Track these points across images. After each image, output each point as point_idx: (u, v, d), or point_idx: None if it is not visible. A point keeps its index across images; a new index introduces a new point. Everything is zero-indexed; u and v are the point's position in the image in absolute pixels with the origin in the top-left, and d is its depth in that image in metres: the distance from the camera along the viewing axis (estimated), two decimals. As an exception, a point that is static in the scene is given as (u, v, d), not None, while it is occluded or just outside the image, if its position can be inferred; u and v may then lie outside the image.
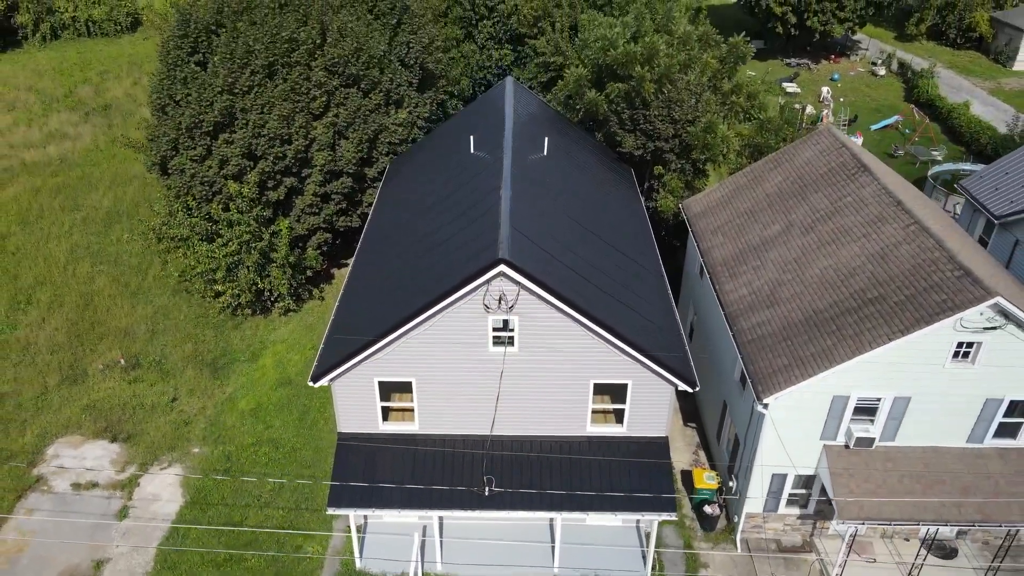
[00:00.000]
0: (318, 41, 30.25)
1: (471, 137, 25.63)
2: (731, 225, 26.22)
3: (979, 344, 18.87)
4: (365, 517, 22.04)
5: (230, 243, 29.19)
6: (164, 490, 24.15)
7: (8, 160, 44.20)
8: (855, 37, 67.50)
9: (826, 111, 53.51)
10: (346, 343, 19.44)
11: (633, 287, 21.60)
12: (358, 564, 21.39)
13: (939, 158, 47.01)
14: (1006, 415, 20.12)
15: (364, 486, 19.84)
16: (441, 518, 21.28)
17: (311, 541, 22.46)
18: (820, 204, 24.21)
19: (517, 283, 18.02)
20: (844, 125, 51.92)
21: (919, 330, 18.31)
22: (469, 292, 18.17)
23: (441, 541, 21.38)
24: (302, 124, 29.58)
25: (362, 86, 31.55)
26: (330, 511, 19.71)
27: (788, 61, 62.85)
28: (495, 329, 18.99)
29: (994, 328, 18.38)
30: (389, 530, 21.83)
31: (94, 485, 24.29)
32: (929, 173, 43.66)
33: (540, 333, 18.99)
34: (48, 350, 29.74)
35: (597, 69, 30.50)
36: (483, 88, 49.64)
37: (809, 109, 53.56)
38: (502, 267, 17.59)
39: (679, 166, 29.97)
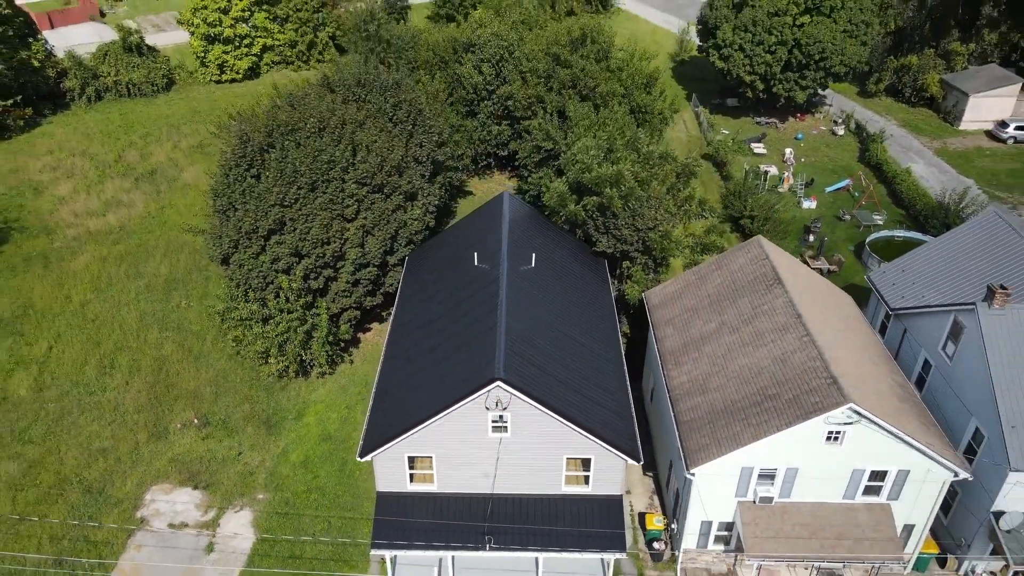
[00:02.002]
0: (350, 159, 37.35)
1: (475, 253, 32.81)
2: (680, 319, 33.36)
3: (844, 432, 26.03)
4: (396, 555, 29.23)
5: (280, 324, 36.35)
6: (240, 528, 31.39)
7: (76, 229, 51.35)
8: (821, 92, 74.38)
9: (787, 173, 60.50)
10: (383, 430, 26.65)
11: (598, 380, 28.80)
12: (391, 589, 28.65)
13: (880, 223, 54.14)
14: (869, 480, 27.31)
15: (397, 531, 27.04)
16: (453, 556, 28.44)
17: (357, 567, 29.68)
18: (744, 308, 31.36)
19: (509, 392, 25.19)
20: (803, 187, 59.04)
21: (798, 424, 25.49)
22: (473, 399, 25.35)
23: (453, 573, 28.59)
24: (337, 228, 36.74)
25: (385, 191, 38.67)
26: (373, 552, 26.92)
27: (758, 120, 69.79)
28: (493, 421, 26.18)
29: (851, 423, 25.55)
30: (414, 562, 29.03)
31: (185, 525, 31.53)
32: (867, 240, 50.89)
33: (526, 424, 26.15)
34: (134, 410, 36.95)
35: (577, 184, 37.60)
36: (484, 158, 56.95)
37: (773, 170, 60.68)
38: (498, 383, 24.78)
39: (643, 261, 37.11)
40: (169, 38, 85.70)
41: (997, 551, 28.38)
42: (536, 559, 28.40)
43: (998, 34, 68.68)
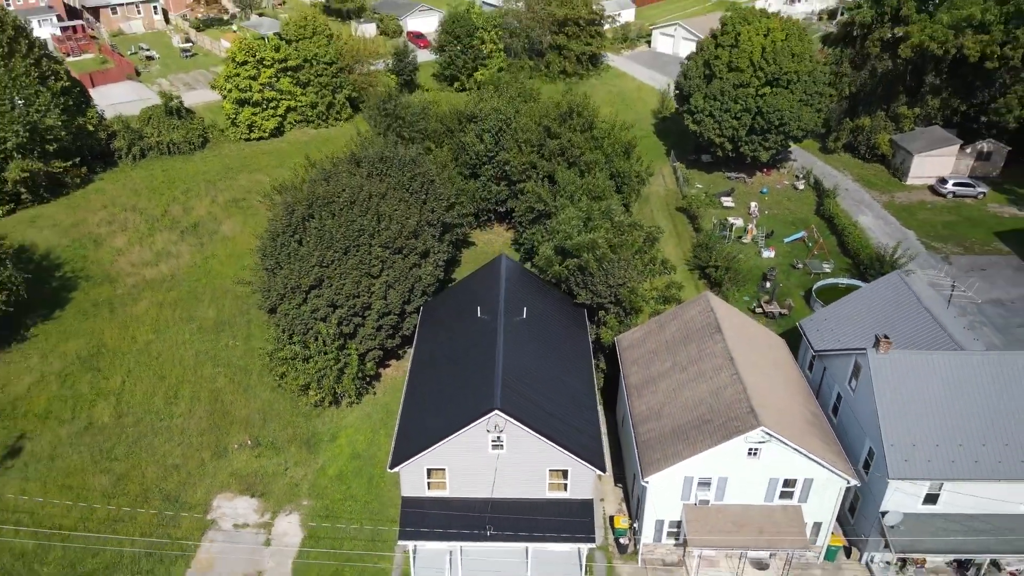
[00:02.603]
0: (375, 227, 45.75)
1: (478, 307, 41.12)
2: (643, 359, 41.53)
3: (760, 448, 34.08)
4: (416, 545, 37.10)
5: (319, 363, 44.49)
6: (290, 528, 39.30)
7: (133, 278, 59.68)
8: (788, 149, 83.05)
9: (751, 225, 68.98)
10: (407, 448, 34.72)
11: (574, 409, 36.94)
12: (413, 572, 36.47)
13: (828, 271, 62.49)
14: (783, 486, 35.31)
15: (418, 527, 34.96)
16: (461, 547, 36.28)
17: (384, 559, 37.56)
18: (692, 352, 39.54)
19: (504, 419, 33.29)
20: (764, 238, 67.45)
21: (724, 443, 33.55)
22: (477, 424, 33.45)
23: (461, 560, 36.47)
24: (365, 284, 45.04)
25: (403, 252, 47.03)
26: (399, 543, 34.84)
27: (728, 175, 78.42)
28: (492, 441, 34.23)
29: (764, 442, 33.61)
30: (431, 551, 36.89)
31: (246, 525, 39.44)
32: (814, 287, 59.22)
33: (518, 443, 34.20)
34: (198, 433, 44.98)
35: (561, 248, 45.98)
36: (485, 213, 65.43)
37: (739, 222, 69.22)
38: (496, 412, 32.89)
39: (615, 311, 45.35)
40: (199, 96, 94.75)
41: (888, 545, 36.24)
42: (526, 549, 36.24)
43: (940, 100, 77.52)
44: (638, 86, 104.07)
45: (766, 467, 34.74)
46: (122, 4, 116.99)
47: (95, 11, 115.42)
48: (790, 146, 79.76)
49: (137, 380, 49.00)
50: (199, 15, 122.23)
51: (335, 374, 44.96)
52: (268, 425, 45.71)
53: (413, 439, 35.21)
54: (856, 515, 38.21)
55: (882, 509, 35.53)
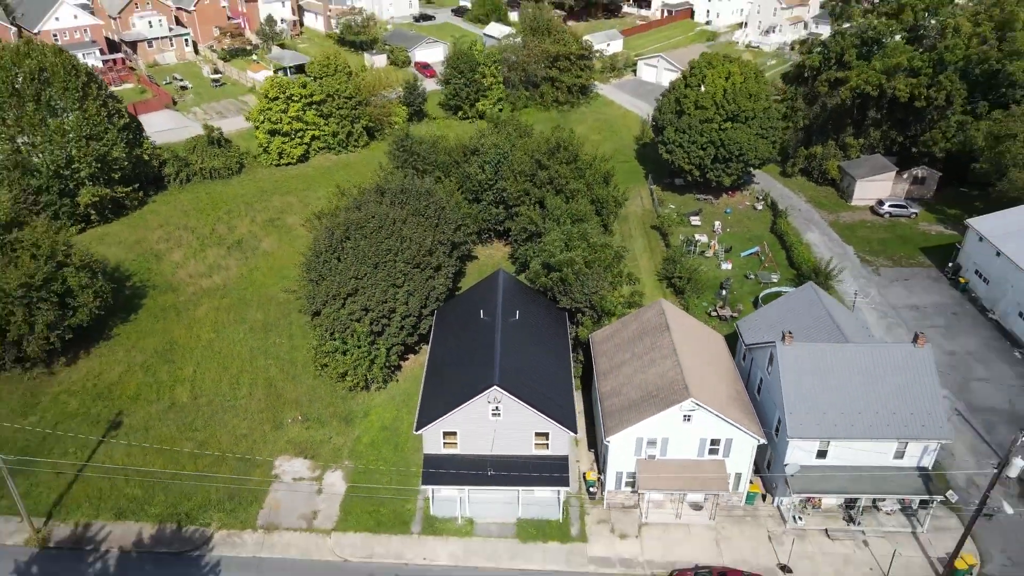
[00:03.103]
0: (399, 247, 57.43)
1: (478, 300, 52.87)
2: (610, 351, 53.18)
3: (692, 415, 45.68)
4: (434, 490, 48.61)
5: (354, 356, 56.10)
6: (336, 481, 50.90)
7: (192, 287, 71.38)
8: (752, 173, 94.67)
9: (713, 241, 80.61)
10: (428, 416, 46.37)
11: (554, 387, 48.57)
12: (432, 511, 48.07)
13: (775, 281, 74.11)
14: (710, 445, 46.92)
15: (436, 476, 46.55)
16: (468, 491, 47.80)
17: (409, 502, 49.15)
18: (646, 345, 51.17)
19: (501, 393, 44.93)
20: (724, 252, 79.07)
21: (665, 410, 45.18)
22: (478, 398, 45.09)
23: (468, 502, 48.04)
24: (392, 293, 56.70)
25: (421, 267, 58.70)
26: (421, 487, 46.47)
27: (698, 197, 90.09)
28: (492, 410, 45.84)
29: (694, 410, 45.24)
30: (445, 496, 48.45)
31: (302, 479, 51.05)
32: (760, 295, 70.88)
33: (511, 411, 45.78)
34: (258, 411, 56.60)
35: (547, 264, 57.69)
36: (486, 232, 76.97)
37: (703, 239, 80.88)
38: (495, 387, 44.56)
39: (590, 314, 57.02)
40: (230, 124, 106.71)
41: (790, 489, 47.76)
42: (517, 493, 47.81)
43: (880, 132, 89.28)
44: (623, 113, 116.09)
45: (697, 430, 46.32)
46: (157, 38, 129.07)
47: (133, 44, 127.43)
48: (752, 171, 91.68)
49: (205, 370, 60.67)
50: (225, 47, 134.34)
51: (367, 364, 56.59)
52: (313, 405, 57.31)
53: (432, 410, 46.84)
54: (770, 468, 49.81)
55: (785, 462, 47.10)
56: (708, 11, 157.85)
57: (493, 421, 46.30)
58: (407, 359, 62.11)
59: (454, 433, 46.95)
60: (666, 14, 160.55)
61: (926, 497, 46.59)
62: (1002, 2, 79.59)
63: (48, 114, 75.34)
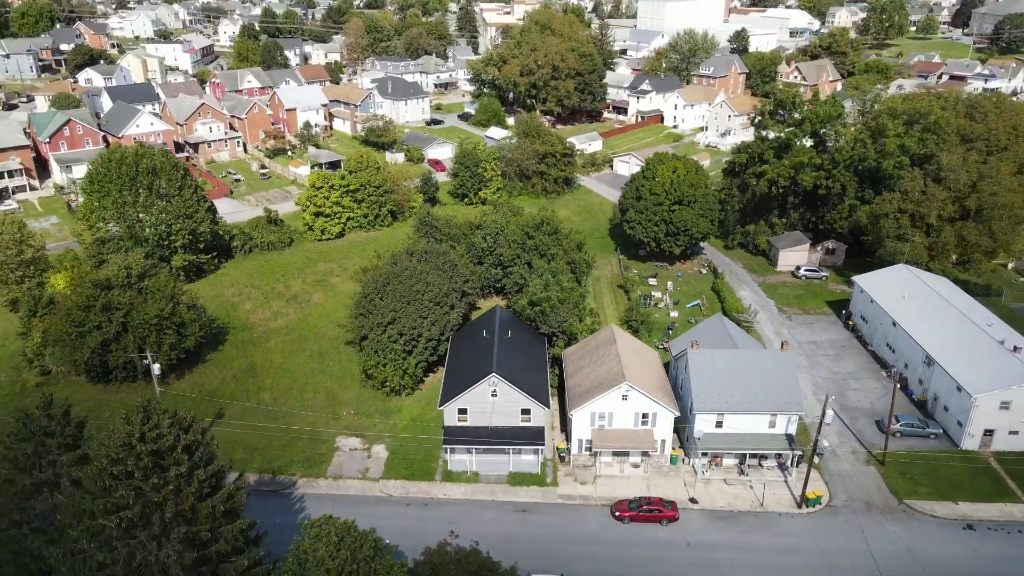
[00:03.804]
0: (425, 290, 79.80)
1: (482, 327, 75.06)
2: (575, 360, 74.87)
3: (628, 395, 67.03)
4: (452, 449, 69.16)
5: (390, 368, 77.63)
6: (381, 451, 71.65)
7: (262, 328, 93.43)
8: (701, 246, 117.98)
9: (665, 296, 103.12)
10: (448, 396, 67.84)
11: (534, 380, 70.17)
12: (449, 467, 68.75)
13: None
14: (642, 418, 68.05)
15: (453, 440, 67.50)
16: (474, 449, 68.47)
17: (432, 461, 69.81)
18: (599, 354, 72.90)
19: (498, 379, 66.49)
20: (673, 304, 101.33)
21: (609, 392, 66.63)
22: (482, 382, 66.65)
23: (475, 460, 68.73)
24: (420, 322, 78.74)
25: (440, 305, 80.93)
26: (444, 447, 67.45)
27: (656, 264, 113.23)
28: (491, 392, 67.27)
29: (628, 392, 66.64)
30: (459, 455, 69.15)
31: (356, 449, 71.85)
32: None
33: (504, 393, 67.15)
34: (322, 408, 77.70)
35: (531, 301, 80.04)
36: (487, 288, 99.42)
37: (657, 295, 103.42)
38: (493, 374, 66.25)
39: (562, 337, 78.93)
40: (278, 208, 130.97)
41: (704, 454, 68.38)
42: (509, 453, 68.50)
43: (798, 213, 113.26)
44: (600, 201, 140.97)
45: (633, 406, 67.52)
46: (215, 140, 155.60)
47: (195, 145, 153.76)
48: (701, 245, 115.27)
49: (279, 382, 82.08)
50: (270, 147, 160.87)
51: (400, 374, 78.07)
52: (361, 404, 78.46)
53: (450, 392, 68.22)
54: (687, 438, 70.68)
55: (695, 430, 68.08)
56: (675, 117, 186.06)
57: (491, 400, 67.58)
58: (429, 376, 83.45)
59: (465, 410, 68.14)
60: (640, 119, 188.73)
61: (789, 452, 67.47)
62: (877, 116, 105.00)
63: (156, 198, 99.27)
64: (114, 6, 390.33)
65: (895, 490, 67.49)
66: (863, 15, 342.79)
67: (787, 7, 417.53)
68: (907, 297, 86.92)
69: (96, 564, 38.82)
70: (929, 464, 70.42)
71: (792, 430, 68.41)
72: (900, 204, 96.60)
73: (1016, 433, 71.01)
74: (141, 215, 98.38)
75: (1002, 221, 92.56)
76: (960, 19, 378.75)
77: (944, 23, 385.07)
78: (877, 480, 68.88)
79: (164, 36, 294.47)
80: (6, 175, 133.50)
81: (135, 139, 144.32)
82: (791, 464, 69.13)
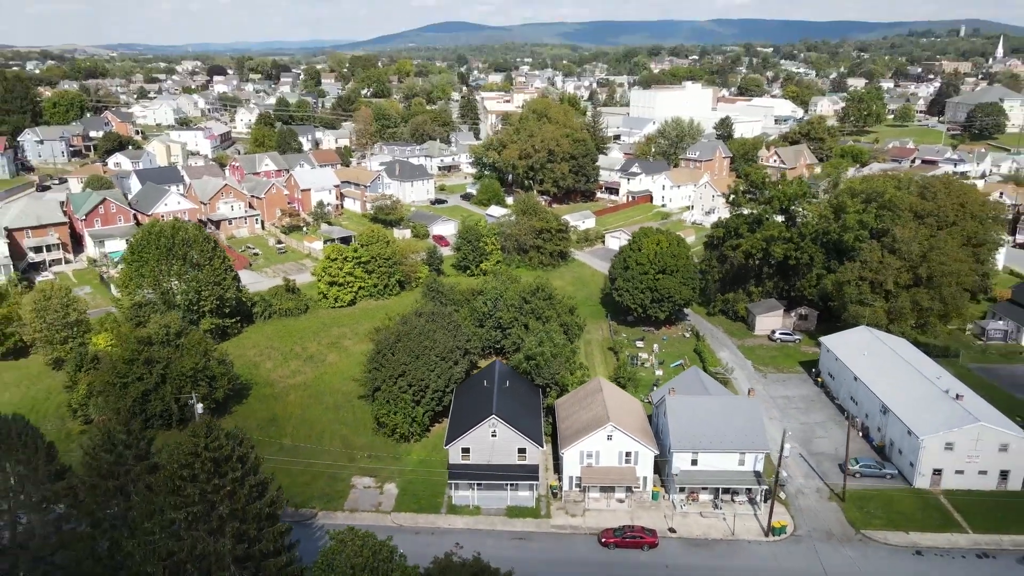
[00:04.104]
0: (432, 346, 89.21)
1: (483, 379, 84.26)
2: (566, 407, 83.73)
3: (613, 435, 75.65)
4: (456, 485, 77.17)
5: (400, 416, 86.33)
6: (392, 488, 79.65)
7: (283, 384, 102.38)
8: (685, 312, 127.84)
9: (651, 356, 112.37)
10: (452, 436, 76.46)
11: (529, 423, 78.91)
12: (453, 501, 76.69)
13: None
14: (626, 456, 76.44)
15: (457, 476, 75.70)
16: (476, 487, 76.49)
17: (438, 496, 77.78)
18: (587, 402, 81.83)
19: (496, 420, 75.30)
20: (658, 364, 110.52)
21: (595, 432, 75.32)
22: (484, 423, 75.45)
23: (476, 495, 76.72)
24: (426, 375, 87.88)
25: (446, 359, 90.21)
26: (449, 482, 75.59)
27: (644, 328, 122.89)
28: (491, 432, 75.92)
29: (613, 433, 75.29)
30: (461, 494, 77.14)
31: (369, 487, 79.88)
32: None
33: (503, 433, 75.80)
34: (339, 450, 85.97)
35: (527, 356, 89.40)
36: (487, 348, 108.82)
37: (644, 355, 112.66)
38: (493, 416, 75.13)
39: (555, 388, 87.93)
40: (294, 277, 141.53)
41: (682, 490, 76.42)
42: (507, 489, 76.51)
43: (773, 282, 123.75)
44: (592, 272, 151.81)
45: (617, 446, 76.03)
46: (235, 217, 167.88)
47: (217, 222, 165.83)
48: (686, 312, 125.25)
49: (300, 431, 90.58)
50: (285, 224, 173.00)
51: (409, 422, 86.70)
52: (374, 449, 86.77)
53: (455, 433, 76.86)
54: (666, 475, 78.78)
55: (673, 468, 76.35)
56: (663, 197, 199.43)
57: (491, 440, 76.18)
58: (434, 425, 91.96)
59: (468, 449, 76.64)
60: (631, 199, 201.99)
61: (757, 486, 75.60)
62: (839, 195, 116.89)
63: (189, 267, 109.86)
64: (135, 96, 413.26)
65: (853, 522, 75.28)
66: (843, 104, 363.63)
67: (772, 96, 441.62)
68: (867, 355, 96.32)
69: (165, 552, 47.09)
70: (885, 500, 78.42)
71: (759, 467, 76.72)
72: (860, 272, 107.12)
73: (961, 472, 79.20)
74: (174, 282, 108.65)
75: (950, 287, 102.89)
76: (935, 108, 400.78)
77: (921, 111, 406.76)
78: (838, 513, 76.72)
79: (184, 123, 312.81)
80: (45, 249, 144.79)
81: (163, 216, 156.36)
82: (760, 498, 77.11)
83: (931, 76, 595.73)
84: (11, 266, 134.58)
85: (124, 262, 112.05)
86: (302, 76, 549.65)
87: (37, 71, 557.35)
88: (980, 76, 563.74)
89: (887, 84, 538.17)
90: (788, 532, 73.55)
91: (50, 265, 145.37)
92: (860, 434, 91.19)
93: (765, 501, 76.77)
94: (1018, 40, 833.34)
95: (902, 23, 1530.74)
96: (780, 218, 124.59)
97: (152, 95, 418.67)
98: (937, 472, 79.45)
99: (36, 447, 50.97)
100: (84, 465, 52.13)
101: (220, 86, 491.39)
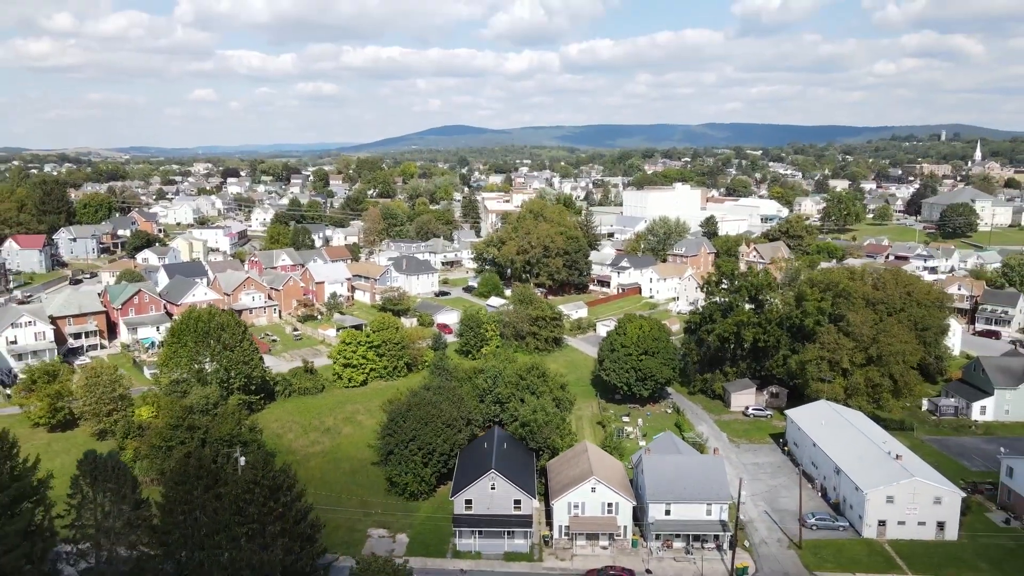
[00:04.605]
0: (439, 415, 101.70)
1: (484, 442, 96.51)
2: (557, 467, 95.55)
3: (596, 488, 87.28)
4: (460, 532, 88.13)
5: (410, 476, 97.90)
6: (403, 537, 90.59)
7: (304, 452, 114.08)
8: (667, 391, 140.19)
9: (635, 431, 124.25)
10: (457, 489, 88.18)
11: (524, 479, 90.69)
12: (457, 548, 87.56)
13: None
14: (608, 506, 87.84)
15: (461, 525, 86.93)
16: (478, 535, 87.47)
17: (444, 543, 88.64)
18: (574, 461, 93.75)
19: (496, 475, 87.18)
20: (642, 437, 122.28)
21: (581, 485, 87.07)
22: (484, 477, 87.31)
23: (478, 541, 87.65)
24: (433, 439, 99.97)
25: (451, 427, 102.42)
26: (454, 530, 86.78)
27: (630, 405, 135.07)
28: (491, 485, 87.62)
29: (596, 486, 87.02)
30: (466, 537, 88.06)
31: (384, 536, 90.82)
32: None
33: (501, 486, 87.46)
34: (355, 509, 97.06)
35: (523, 422, 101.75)
36: (488, 421, 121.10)
37: (628, 429, 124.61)
38: (492, 471, 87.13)
39: (547, 452, 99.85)
40: (311, 360, 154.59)
41: (658, 536, 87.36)
42: (504, 536, 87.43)
43: (746, 363, 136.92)
44: (584, 357, 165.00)
45: (600, 497, 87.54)
46: (255, 307, 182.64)
47: (239, 312, 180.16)
48: (669, 391, 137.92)
49: (320, 490, 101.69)
50: (301, 313, 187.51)
51: (418, 481, 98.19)
52: (387, 506, 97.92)
53: (459, 486, 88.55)
54: (643, 525, 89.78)
55: (650, 518, 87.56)
56: (651, 289, 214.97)
57: (491, 492, 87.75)
58: (440, 487, 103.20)
59: (470, 500, 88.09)
60: (620, 291, 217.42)
61: (722, 533, 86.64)
62: (799, 285, 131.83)
63: (221, 348, 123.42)
64: (155, 197, 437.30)
65: (807, 565, 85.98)
66: (824, 204, 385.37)
67: (759, 196, 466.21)
68: (824, 424, 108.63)
69: (228, 560, 58.78)
70: (836, 547, 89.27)
71: (724, 516, 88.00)
72: (819, 353, 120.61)
73: (903, 524, 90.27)
74: (207, 362, 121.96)
75: (898, 365, 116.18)
76: (912, 207, 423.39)
77: (899, 211, 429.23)
78: (795, 559, 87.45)
79: (203, 223, 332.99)
80: (84, 335, 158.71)
81: (190, 306, 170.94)
82: (726, 545, 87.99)
83: (911, 178, 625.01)
84: (56, 350, 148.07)
85: (165, 343, 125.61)
86: (311, 177, 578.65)
87: (56, 173, 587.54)
88: (958, 178, 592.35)
89: (869, 185, 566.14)
90: (750, 573, 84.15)
91: (87, 350, 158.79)
92: (820, 494, 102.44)
93: (731, 548, 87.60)
94: (996, 144, 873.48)
95: (888, 127, 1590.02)
96: (750, 306, 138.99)
97: (170, 196, 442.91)
98: (882, 523, 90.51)
99: (124, 479, 63.23)
100: (162, 495, 64.29)
101: (234, 187, 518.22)
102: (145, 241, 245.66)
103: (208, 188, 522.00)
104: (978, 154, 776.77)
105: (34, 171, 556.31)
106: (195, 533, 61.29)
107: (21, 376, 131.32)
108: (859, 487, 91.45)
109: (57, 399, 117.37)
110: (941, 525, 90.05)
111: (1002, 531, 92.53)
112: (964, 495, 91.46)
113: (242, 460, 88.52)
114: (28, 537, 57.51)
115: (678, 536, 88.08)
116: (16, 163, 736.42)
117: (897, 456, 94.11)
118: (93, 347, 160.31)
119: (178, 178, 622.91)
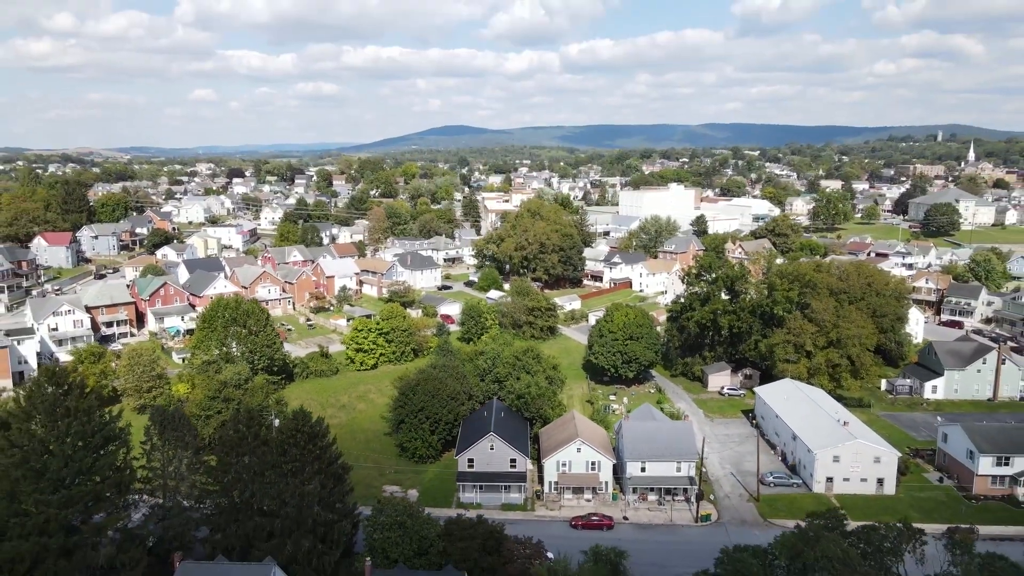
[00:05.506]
0: (445, 389, 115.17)
1: (484, 412, 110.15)
2: (548, 433, 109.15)
3: (581, 448, 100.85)
4: (463, 487, 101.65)
5: (419, 441, 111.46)
6: (414, 493, 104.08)
7: (329, 423, 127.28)
8: (651, 373, 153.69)
9: (622, 406, 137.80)
10: (461, 449, 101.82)
11: (519, 442, 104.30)
12: (461, 500, 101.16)
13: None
14: (591, 464, 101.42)
15: (464, 479, 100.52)
16: (479, 489, 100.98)
17: (449, 496, 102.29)
18: (563, 426, 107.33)
19: (494, 436, 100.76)
20: (627, 412, 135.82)
21: (568, 445, 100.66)
22: (484, 439, 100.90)
23: (479, 494, 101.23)
24: (439, 410, 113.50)
25: (456, 399, 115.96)
26: (458, 484, 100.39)
27: (617, 386, 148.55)
28: (489, 447, 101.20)
29: (581, 446, 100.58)
30: (468, 490, 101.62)
31: (395, 494, 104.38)
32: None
33: (499, 447, 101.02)
34: (372, 469, 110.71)
35: (519, 395, 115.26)
36: (488, 397, 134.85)
37: (615, 406, 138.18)
38: (491, 433, 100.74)
39: (539, 421, 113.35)
40: (322, 344, 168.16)
41: (634, 490, 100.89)
42: (502, 489, 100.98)
43: (722, 347, 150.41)
44: (577, 344, 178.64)
45: (585, 456, 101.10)
46: (271, 299, 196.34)
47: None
48: (652, 373, 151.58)
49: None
50: (313, 305, 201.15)
51: (426, 447, 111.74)
52: (399, 467, 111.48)
53: (463, 447, 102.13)
54: (622, 480, 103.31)
55: (627, 474, 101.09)
56: (641, 283, 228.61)
57: (490, 452, 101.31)
58: (445, 453, 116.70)
59: (472, 460, 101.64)
60: (612, 285, 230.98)
61: (689, 487, 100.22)
62: (770, 276, 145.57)
63: (248, 332, 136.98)
64: (164, 196, 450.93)
65: (763, 513, 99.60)
66: (814, 204, 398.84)
67: (753, 196, 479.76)
68: (787, 399, 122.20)
69: (276, 492, 72.32)
70: (789, 500, 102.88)
71: (692, 473, 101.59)
72: (786, 337, 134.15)
73: (848, 480, 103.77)
74: (233, 345, 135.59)
75: (855, 347, 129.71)
76: (900, 207, 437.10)
77: (887, 211, 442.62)
78: (752, 509, 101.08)
79: (213, 221, 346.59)
80: (115, 324, 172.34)
81: (211, 296, 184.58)
82: (693, 497, 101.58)
83: (903, 178, 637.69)
84: (92, 336, 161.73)
85: (196, 328, 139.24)
86: (314, 178, 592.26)
87: (60, 172, 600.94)
88: (950, 179, 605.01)
89: (862, 185, 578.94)
90: (713, 519, 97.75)
91: (119, 337, 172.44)
92: (780, 458, 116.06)
93: (697, 500, 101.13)
94: (991, 144, 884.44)
95: (887, 128, 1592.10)
96: (727, 296, 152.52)
97: (178, 196, 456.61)
98: (830, 480, 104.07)
99: (187, 427, 76.69)
100: (218, 440, 77.80)
101: (239, 187, 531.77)
102: (163, 238, 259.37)
103: (215, 188, 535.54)
104: (971, 155, 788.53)
105: (39, 171, 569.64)
106: (247, 471, 74.66)
107: (67, 358, 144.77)
108: (811, 449, 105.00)
109: (102, 377, 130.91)
110: (880, 481, 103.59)
111: (935, 488, 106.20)
112: (900, 455, 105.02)
113: (276, 421, 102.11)
114: (118, 471, 71.00)
115: (652, 490, 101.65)
116: (21, 163, 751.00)
117: (844, 423, 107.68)
118: (123, 335, 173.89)
119: (185, 178, 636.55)
